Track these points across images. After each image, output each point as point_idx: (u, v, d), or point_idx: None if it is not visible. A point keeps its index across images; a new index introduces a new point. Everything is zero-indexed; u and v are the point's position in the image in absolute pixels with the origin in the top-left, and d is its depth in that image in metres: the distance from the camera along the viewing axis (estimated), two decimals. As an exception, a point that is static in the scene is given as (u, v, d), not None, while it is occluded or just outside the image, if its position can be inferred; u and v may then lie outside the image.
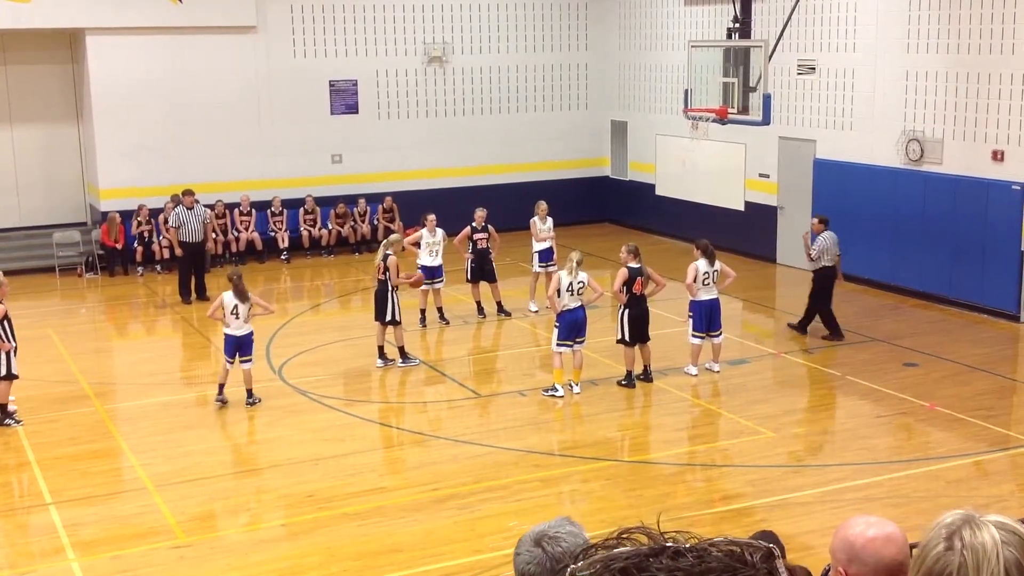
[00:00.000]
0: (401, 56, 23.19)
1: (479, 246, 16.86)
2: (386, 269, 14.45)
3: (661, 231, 23.50)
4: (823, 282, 15.64)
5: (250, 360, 13.21)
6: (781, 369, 14.66)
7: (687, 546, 1.58)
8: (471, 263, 16.85)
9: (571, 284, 13.20)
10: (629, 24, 24.27)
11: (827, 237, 15.50)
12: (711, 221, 21.55)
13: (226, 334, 13.16)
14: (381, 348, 14.78)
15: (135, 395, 14.13)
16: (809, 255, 15.63)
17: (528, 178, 24.01)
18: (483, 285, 16.94)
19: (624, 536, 1.64)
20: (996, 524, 1.94)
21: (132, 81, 21.10)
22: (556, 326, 13.44)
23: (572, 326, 13.30)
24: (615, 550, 1.60)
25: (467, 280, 17.00)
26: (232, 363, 13.13)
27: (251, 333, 13.20)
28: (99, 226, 21.08)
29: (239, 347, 13.13)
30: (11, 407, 12.86)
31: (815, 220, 15.90)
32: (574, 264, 13.29)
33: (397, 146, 23.30)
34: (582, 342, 13.45)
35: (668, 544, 1.58)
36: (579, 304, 13.35)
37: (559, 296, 13.25)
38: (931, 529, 2.00)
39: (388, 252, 14.58)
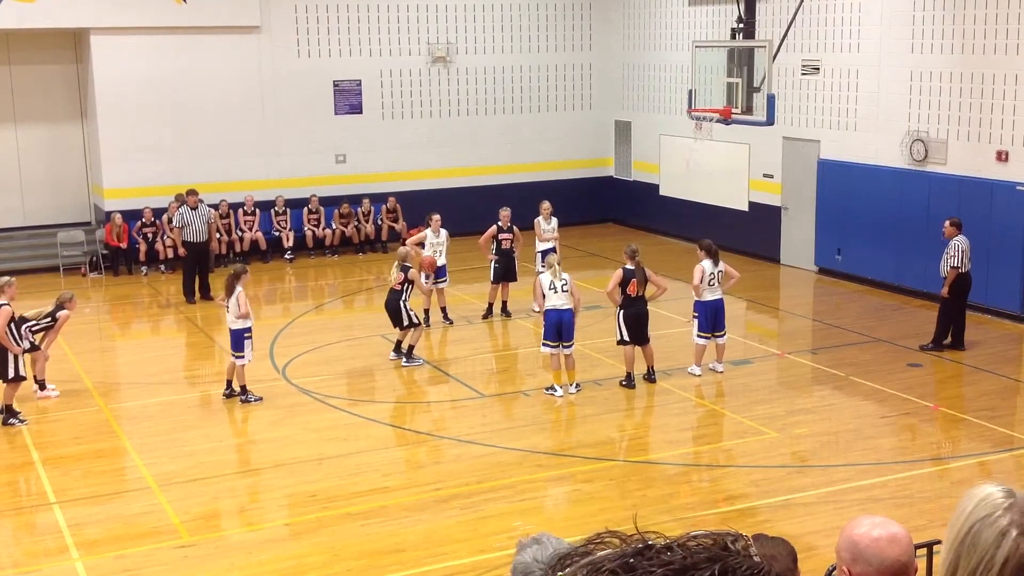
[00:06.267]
0: (405, 56, 23.20)
1: (503, 246, 16.83)
2: (406, 280, 14.47)
3: (665, 231, 23.49)
4: (961, 289, 14.70)
5: (240, 356, 13.24)
6: (785, 369, 14.65)
7: (669, 542, 1.58)
8: (495, 263, 16.82)
9: (553, 283, 13.25)
10: (633, 24, 24.27)
11: (962, 240, 14.64)
12: (715, 221, 21.54)
13: None
14: (399, 342, 14.89)
15: (139, 395, 14.14)
16: (956, 268, 14.45)
17: (532, 178, 24.00)
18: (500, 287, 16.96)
19: (596, 542, 1.64)
20: None
21: (136, 81, 21.12)
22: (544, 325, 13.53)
23: (556, 325, 13.29)
24: (597, 555, 1.60)
25: (492, 281, 16.96)
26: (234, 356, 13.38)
27: (239, 331, 13.19)
28: (103, 226, 21.11)
29: (231, 341, 13.34)
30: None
31: (947, 223, 14.75)
32: (555, 265, 13.41)
33: (401, 146, 23.30)
34: (570, 345, 13.42)
35: (651, 543, 1.59)
36: (566, 305, 13.35)
37: (544, 298, 13.32)
38: (981, 507, 1.83)
39: (408, 265, 14.63)
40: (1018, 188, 16.01)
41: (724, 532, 1.63)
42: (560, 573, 1.63)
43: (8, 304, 12.68)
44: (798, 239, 20.22)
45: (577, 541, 1.71)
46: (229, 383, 13.46)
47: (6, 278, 13.09)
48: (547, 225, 17.49)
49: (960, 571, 1.77)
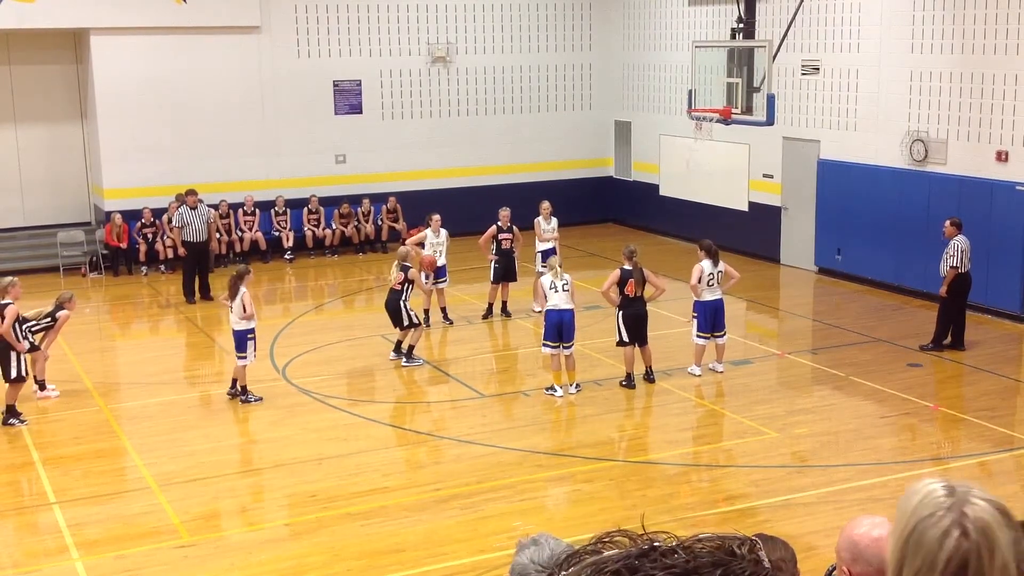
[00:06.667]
0: (405, 56, 23.20)
1: (503, 246, 16.81)
2: (406, 280, 14.46)
3: (665, 231, 23.49)
4: (961, 289, 14.70)
5: (243, 357, 13.27)
6: (784, 369, 14.65)
7: (674, 544, 1.59)
8: (495, 264, 16.80)
9: (554, 284, 13.26)
10: (633, 24, 24.27)
11: (961, 240, 14.59)
12: (715, 221, 21.54)
13: None
14: (399, 342, 14.90)
15: (139, 395, 14.14)
16: (955, 268, 14.47)
17: (532, 178, 24.00)
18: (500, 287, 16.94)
19: (605, 540, 1.65)
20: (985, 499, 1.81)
21: (136, 81, 21.12)
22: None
23: (556, 325, 13.29)
24: (603, 554, 1.61)
25: (492, 282, 16.95)
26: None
27: (242, 332, 13.22)
28: (103, 226, 21.11)
29: (235, 342, 13.35)
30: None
31: (948, 223, 14.74)
32: (556, 267, 13.43)
33: (401, 146, 23.31)
34: (570, 346, 13.42)
35: (656, 544, 1.60)
36: (567, 306, 13.34)
37: (546, 298, 13.33)
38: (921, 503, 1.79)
39: (408, 265, 14.62)
40: (1018, 188, 16.01)
41: (732, 536, 1.63)
42: (564, 572, 1.64)
43: (13, 304, 12.72)
44: (798, 239, 20.22)
45: (582, 540, 1.71)
46: (235, 382, 13.47)
47: (10, 278, 13.12)
48: (547, 225, 17.48)
49: (906, 570, 1.76)
